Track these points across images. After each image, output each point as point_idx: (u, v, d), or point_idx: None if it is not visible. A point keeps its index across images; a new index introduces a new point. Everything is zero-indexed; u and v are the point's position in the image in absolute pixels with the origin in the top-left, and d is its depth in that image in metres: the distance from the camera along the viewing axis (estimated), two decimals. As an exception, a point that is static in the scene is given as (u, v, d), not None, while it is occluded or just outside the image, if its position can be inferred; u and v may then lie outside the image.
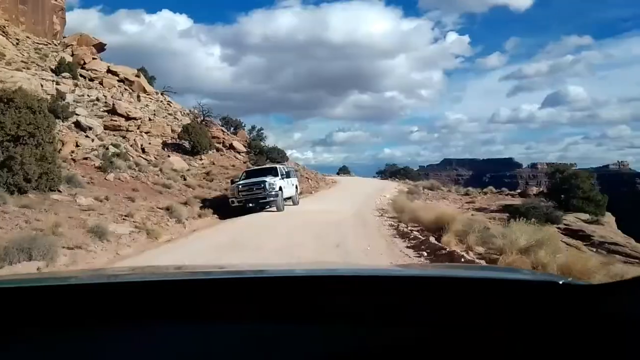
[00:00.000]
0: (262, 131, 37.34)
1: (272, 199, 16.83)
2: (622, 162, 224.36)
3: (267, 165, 22.16)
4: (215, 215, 16.75)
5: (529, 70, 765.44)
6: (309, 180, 30.39)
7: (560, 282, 1.16)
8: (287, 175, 18.60)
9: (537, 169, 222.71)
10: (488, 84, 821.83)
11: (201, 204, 17.45)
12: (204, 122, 31.11)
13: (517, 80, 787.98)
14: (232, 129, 39.26)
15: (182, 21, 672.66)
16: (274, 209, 16.97)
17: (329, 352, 1.07)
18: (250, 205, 16.72)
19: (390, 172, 46.51)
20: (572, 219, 16.95)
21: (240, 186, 17.20)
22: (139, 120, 27.56)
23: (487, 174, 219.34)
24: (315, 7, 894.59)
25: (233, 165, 27.83)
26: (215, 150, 30.54)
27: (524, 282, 1.38)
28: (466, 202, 21.86)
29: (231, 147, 32.89)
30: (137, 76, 35.54)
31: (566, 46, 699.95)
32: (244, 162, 30.52)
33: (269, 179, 17.05)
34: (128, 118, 26.86)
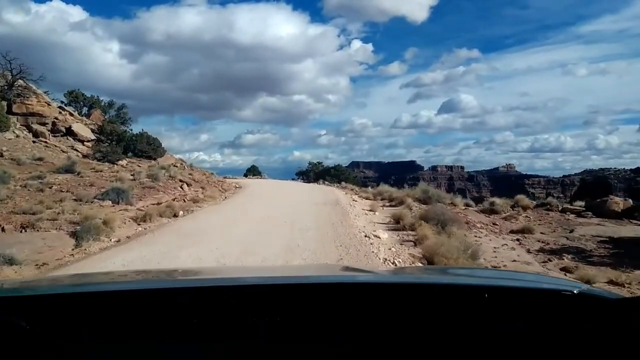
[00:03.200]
0: (124, 109, 25.09)
1: None
2: (509, 164, 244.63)
3: None
4: None
5: (426, 79, 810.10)
6: (187, 188, 17.14)
7: (575, 292, 1.02)
8: None
9: (438, 172, 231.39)
10: (390, 91, 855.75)
11: None
12: (13, 89, 18.20)
13: (416, 88, 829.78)
14: (85, 108, 26.84)
15: (76, 13, 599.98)
16: None
17: None
18: None
19: (317, 173, 34.53)
20: None
21: None
22: None
23: (392, 176, 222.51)
24: (222, 7, 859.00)
25: (53, 163, 15.57)
26: (31, 135, 17.98)
27: (533, 291, 1.20)
28: (515, 232, 11.07)
29: (69, 132, 20.40)
30: None
31: (458, 58, 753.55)
32: (84, 156, 18.26)
33: None
34: None
